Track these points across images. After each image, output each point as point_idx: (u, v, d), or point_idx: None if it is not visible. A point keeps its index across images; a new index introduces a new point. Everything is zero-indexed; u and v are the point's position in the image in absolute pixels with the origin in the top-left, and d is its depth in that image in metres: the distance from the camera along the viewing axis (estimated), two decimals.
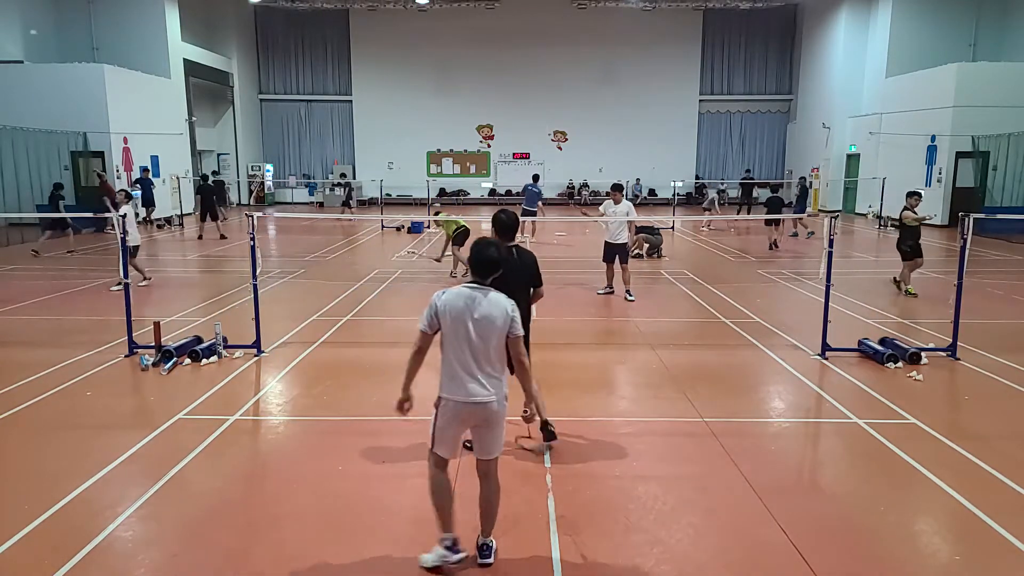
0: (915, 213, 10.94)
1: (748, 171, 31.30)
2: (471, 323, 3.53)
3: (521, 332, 3.66)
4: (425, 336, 3.62)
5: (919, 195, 11.13)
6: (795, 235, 19.21)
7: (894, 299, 10.87)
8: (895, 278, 11.42)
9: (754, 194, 27.48)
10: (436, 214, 14.12)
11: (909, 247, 10.98)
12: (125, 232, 7.77)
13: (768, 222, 17.23)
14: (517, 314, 3.64)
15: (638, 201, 30.13)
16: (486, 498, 3.74)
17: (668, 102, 32.55)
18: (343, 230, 21.22)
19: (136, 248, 11.49)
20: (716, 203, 23.34)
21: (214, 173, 28.84)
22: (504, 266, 4.96)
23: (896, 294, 11.12)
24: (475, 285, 3.64)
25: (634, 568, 3.70)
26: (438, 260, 13.38)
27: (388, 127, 32.60)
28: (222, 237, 18.22)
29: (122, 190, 13.33)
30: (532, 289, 5.19)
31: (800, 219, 19.23)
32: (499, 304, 3.58)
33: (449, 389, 3.59)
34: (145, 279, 11.70)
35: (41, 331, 8.81)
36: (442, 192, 32.57)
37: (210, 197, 18.41)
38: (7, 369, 7.02)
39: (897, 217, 11.84)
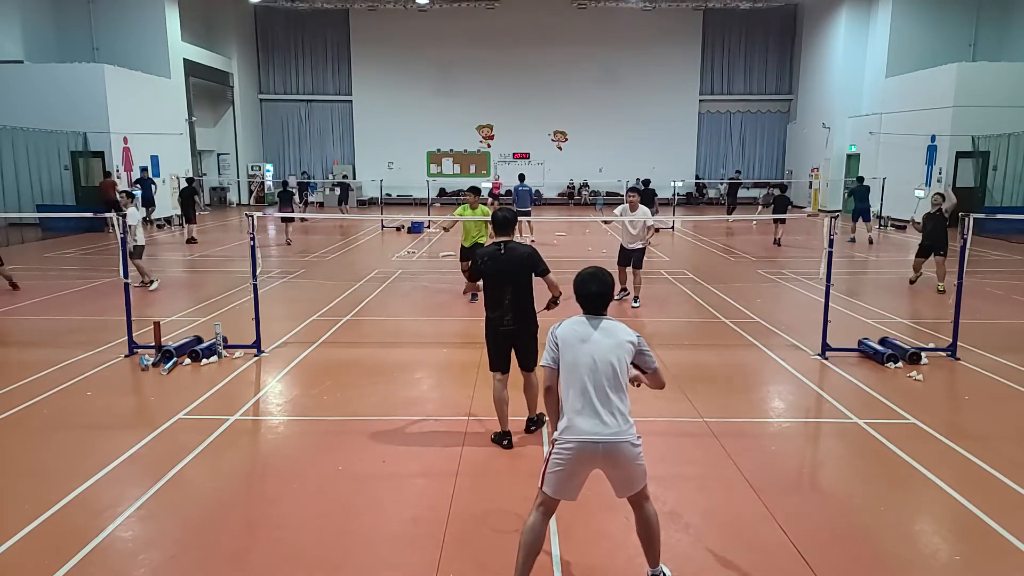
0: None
1: (738, 172, 31.29)
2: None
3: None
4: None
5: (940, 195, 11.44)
6: (853, 240, 17.88)
7: (894, 299, 10.88)
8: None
9: (739, 194, 27.70)
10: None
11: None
12: (124, 232, 7.76)
13: (776, 220, 17.40)
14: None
15: None
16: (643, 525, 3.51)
17: (668, 102, 32.58)
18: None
19: (141, 249, 11.49)
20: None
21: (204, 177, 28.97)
22: (492, 263, 5.03)
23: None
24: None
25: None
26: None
27: (388, 127, 32.62)
28: (192, 240, 17.87)
29: (123, 191, 13.32)
30: (539, 278, 5.09)
31: (865, 224, 17.73)
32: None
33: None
34: (151, 281, 11.45)
35: (41, 331, 8.80)
36: (442, 192, 32.57)
37: (189, 199, 18.36)
38: (7, 369, 7.02)
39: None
